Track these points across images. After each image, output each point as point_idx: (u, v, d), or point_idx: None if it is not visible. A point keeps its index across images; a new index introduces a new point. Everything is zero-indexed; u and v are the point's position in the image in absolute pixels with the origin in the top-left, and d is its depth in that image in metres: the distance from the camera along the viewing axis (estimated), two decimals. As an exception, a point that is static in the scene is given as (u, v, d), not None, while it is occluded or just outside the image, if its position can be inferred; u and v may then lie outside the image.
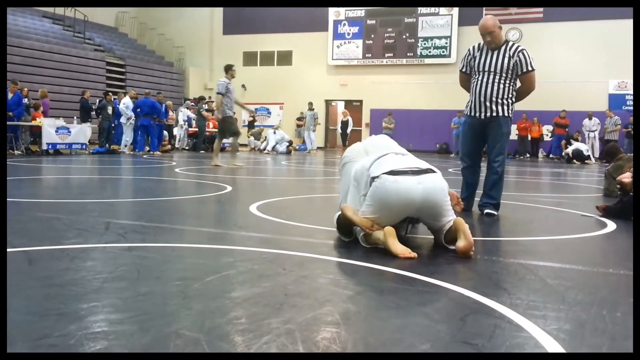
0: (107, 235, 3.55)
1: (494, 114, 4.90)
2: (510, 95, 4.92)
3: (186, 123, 18.56)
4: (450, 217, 3.38)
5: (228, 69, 10.47)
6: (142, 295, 2.30)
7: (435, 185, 3.34)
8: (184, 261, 3.00)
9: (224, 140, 17.68)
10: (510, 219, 4.87)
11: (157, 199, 5.82)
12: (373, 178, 3.34)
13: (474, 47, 5.06)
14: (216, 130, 18.80)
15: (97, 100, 15.96)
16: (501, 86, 4.87)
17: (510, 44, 4.91)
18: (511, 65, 4.83)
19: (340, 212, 3.54)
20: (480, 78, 4.93)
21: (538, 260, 3.18)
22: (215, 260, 3.02)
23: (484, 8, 20.86)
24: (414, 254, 3.08)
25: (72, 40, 21.24)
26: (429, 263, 3.11)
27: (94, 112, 15.67)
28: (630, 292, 2.59)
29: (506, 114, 4.93)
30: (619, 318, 2.17)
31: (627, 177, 5.20)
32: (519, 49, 4.87)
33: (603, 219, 4.78)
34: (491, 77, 4.87)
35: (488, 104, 4.89)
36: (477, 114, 4.98)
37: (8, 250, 2.95)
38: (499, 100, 4.88)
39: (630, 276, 2.91)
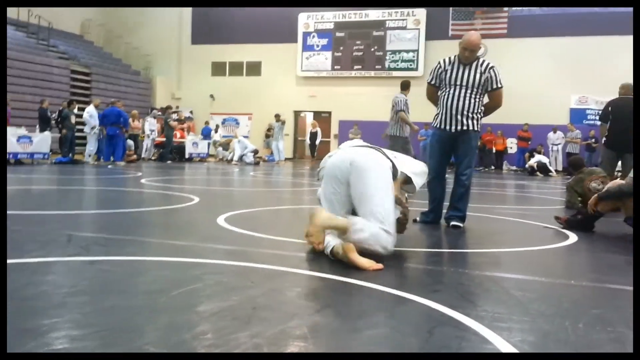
0: (69, 248, 3.47)
1: (465, 127, 4.95)
2: (479, 110, 4.99)
3: (152, 132, 18.35)
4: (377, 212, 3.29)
5: (407, 85, 9.63)
6: (105, 310, 2.25)
7: (367, 151, 3.59)
8: (150, 274, 2.96)
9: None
10: (476, 230, 4.93)
11: (122, 210, 5.72)
12: None
13: (444, 61, 5.08)
14: (183, 140, 18.78)
15: (58, 110, 15.62)
16: (472, 100, 4.92)
17: (481, 60, 4.98)
18: (482, 80, 4.90)
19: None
20: (451, 91, 4.96)
21: (503, 272, 3.23)
22: (182, 273, 2.98)
23: (451, 22, 21.26)
24: (379, 266, 3.09)
25: (36, 48, 20.82)
26: (396, 274, 3.13)
27: (53, 122, 15.33)
28: (592, 304, 2.65)
29: (476, 128, 5.00)
30: (581, 329, 2.21)
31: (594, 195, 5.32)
32: (490, 65, 4.95)
33: (565, 230, 4.89)
34: (462, 91, 4.92)
35: (459, 117, 4.94)
36: (447, 127, 5.01)
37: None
38: (470, 114, 4.93)
39: (591, 287, 2.98)
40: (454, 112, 4.95)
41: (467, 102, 4.92)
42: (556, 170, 18.03)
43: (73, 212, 5.31)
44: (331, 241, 3.34)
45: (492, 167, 20.05)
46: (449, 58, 5.07)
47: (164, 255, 3.38)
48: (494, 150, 20.24)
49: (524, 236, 4.91)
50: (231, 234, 4.25)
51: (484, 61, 4.97)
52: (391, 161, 3.61)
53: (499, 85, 4.96)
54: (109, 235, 4.02)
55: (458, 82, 4.94)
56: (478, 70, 4.91)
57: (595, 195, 4.98)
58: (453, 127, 4.98)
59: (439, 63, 5.12)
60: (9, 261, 3.03)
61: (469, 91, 4.91)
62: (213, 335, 1.98)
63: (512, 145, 20.35)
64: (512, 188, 11.82)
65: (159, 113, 20.16)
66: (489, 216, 5.97)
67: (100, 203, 6.66)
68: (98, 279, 2.77)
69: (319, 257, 3.42)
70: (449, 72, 4.99)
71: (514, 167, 19.91)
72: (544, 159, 17.64)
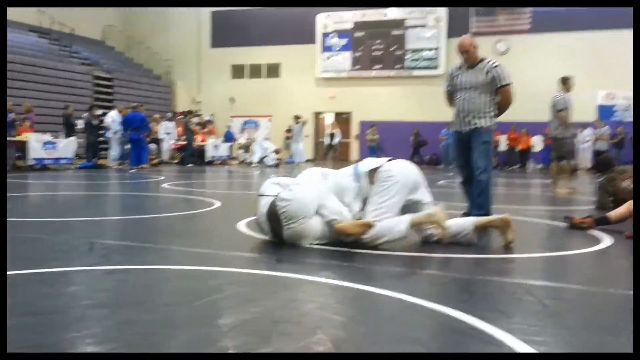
0: (90, 257, 3.43)
1: (475, 126, 5.16)
2: (490, 109, 5.16)
3: (168, 135, 18.44)
4: None
5: (565, 80, 8.98)
6: (124, 324, 2.20)
7: None
8: (170, 285, 2.90)
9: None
10: (503, 233, 4.77)
11: (143, 216, 5.69)
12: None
13: (453, 68, 5.39)
14: (204, 143, 18.83)
15: (83, 115, 15.77)
16: (481, 100, 5.14)
17: (486, 60, 5.18)
18: (488, 80, 5.10)
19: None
20: (461, 95, 5.22)
21: (534, 279, 3.10)
22: (202, 283, 2.91)
23: (473, 19, 20.97)
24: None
25: (59, 55, 21.07)
26: (420, 283, 3.03)
27: (78, 127, 15.47)
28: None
29: (486, 125, 5.15)
30: (623, 344, 2.08)
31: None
32: (494, 64, 5.14)
33: (594, 232, 4.70)
34: (470, 92, 5.16)
35: (468, 118, 5.17)
36: (461, 128, 5.26)
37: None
38: (479, 114, 5.15)
39: (631, 296, 2.83)
40: (464, 113, 5.20)
41: (475, 102, 5.14)
42: (586, 169, 17.63)
43: (96, 219, 5.30)
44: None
45: (518, 166, 19.72)
46: (458, 65, 5.34)
47: (183, 263, 3.33)
48: (518, 149, 19.90)
49: (552, 239, 4.75)
50: (251, 240, 4.18)
51: (489, 61, 5.18)
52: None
53: (505, 83, 5.11)
54: (130, 242, 3.99)
55: (466, 85, 5.19)
56: (483, 71, 5.12)
57: None
58: (465, 128, 5.22)
59: (450, 70, 5.46)
60: (29, 271, 3.00)
61: (476, 92, 5.15)
62: (235, 351, 1.90)
63: (537, 143, 19.96)
64: (538, 187, 11.57)
65: (181, 116, 20.21)
66: (515, 218, 5.79)
67: (123, 209, 6.66)
68: (118, 290, 2.72)
69: (340, 264, 3.34)
70: (457, 77, 5.28)
71: (540, 166, 19.56)
72: (569, 156, 17.26)
